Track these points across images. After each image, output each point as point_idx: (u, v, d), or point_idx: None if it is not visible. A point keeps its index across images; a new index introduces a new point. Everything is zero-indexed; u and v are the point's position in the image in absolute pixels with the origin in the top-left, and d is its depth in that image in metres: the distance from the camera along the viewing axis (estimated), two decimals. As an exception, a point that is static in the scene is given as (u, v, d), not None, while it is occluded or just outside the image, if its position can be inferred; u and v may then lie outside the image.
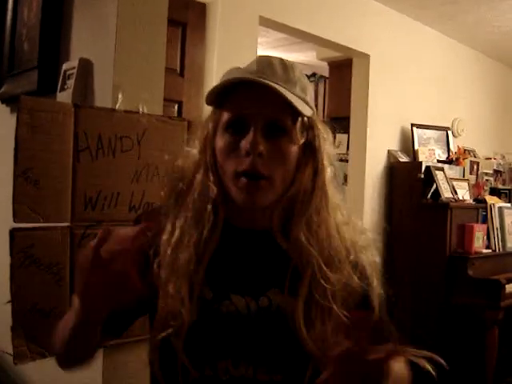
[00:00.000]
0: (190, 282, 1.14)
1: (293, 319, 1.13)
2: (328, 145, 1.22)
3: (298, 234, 1.16)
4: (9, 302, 1.74)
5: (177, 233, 1.17)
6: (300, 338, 1.12)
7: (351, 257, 1.20)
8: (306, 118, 1.18)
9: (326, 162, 1.20)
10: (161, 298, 1.14)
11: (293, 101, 1.11)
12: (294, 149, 1.16)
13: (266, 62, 1.17)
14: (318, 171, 1.19)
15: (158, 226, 1.17)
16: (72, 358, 1.23)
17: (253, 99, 1.13)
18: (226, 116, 1.15)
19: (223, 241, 1.18)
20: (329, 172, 1.21)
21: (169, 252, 1.15)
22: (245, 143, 1.11)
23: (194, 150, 1.21)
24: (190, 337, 1.12)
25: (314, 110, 1.21)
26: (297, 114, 1.14)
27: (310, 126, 1.19)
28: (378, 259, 1.27)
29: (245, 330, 1.15)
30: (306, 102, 1.17)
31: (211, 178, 1.17)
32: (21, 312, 1.73)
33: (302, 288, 1.14)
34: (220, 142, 1.16)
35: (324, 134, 1.22)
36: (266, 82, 1.11)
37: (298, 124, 1.16)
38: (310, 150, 1.19)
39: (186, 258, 1.14)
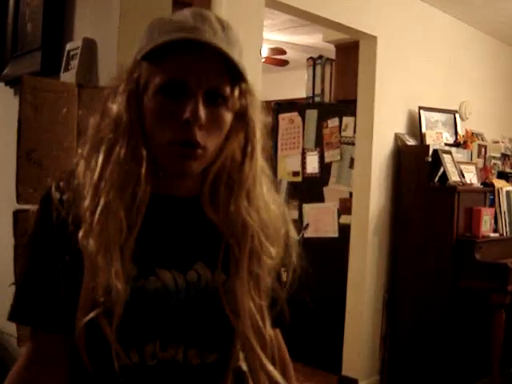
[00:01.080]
0: (121, 252, 1.02)
1: (231, 298, 1.08)
2: (261, 114, 1.17)
3: (239, 206, 1.11)
4: (12, 283, 1.72)
5: (102, 199, 1.03)
6: (235, 316, 1.08)
7: (281, 230, 1.17)
8: (243, 84, 1.11)
9: (257, 132, 1.15)
10: (87, 272, 1.00)
11: (238, 63, 1.04)
12: (229, 117, 1.09)
13: (203, 17, 1.05)
14: (249, 140, 1.14)
15: (77, 189, 1.05)
16: None
17: (194, 61, 1.02)
18: (161, 76, 1.03)
19: (149, 211, 1.07)
20: (260, 142, 1.15)
21: (95, 221, 1.01)
22: (185, 111, 1.01)
23: (116, 106, 1.08)
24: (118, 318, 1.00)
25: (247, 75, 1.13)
26: (236, 80, 1.08)
27: (243, 93, 1.13)
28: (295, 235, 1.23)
29: (173, 308, 1.07)
30: (243, 66, 1.08)
31: (138, 138, 1.06)
32: (25, 294, 1.72)
33: (242, 266, 1.09)
34: (151, 104, 1.05)
35: (257, 101, 1.16)
36: (215, 43, 1.01)
37: (236, 91, 1.10)
38: (242, 118, 1.13)
39: (115, 226, 1.02)
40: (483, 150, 5.06)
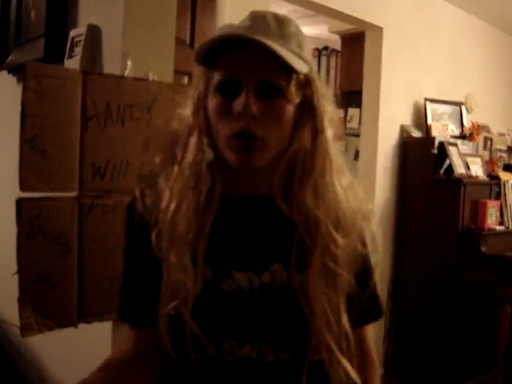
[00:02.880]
0: (192, 251, 1.09)
1: (305, 295, 1.08)
2: (328, 103, 1.15)
3: (304, 198, 1.10)
4: (15, 273, 1.70)
5: (175, 199, 1.11)
6: (311, 314, 1.08)
7: (357, 223, 1.15)
8: (302, 75, 1.10)
9: (326, 122, 1.14)
10: (165, 269, 1.10)
11: (286, 57, 1.04)
12: (290, 108, 1.09)
13: (259, 17, 1.10)
14: (317, 131, 1.13)
15: (157, 193, 1.14)
16: None
17: (244, 58, 1.06)
18: (217, 76, 1.08)
19: (221, 213, 1.12)
20: (329, 132, 1.14)
21: (167, 221, 1.10)
22: (236, 105, 1.05)
23: (187, 112, 1.15)
24: (195, 315, 1.07)
25: (312, 66, 1.14)
26: (292, 71, 1.07)
27: (306, 84, 1.12)
28: (377, 230, 1.21)
29: (248, 307, 1.10)
30: (301, 57, 1.10)
31: (205, 141, 1.12)
32: (27, 283, 1.70)
33: (314, 261, 1.09)
34: (212, 103, 1.10)
35: (322, 91, 1.15)
36: (256, 37, 1.03)
37: (293, 82, 1.09)
38: (308, 109, 1.12)
39: (185, 226, 1.09)
40: (489, 142, 5.03)
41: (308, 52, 1.15)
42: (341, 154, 1.19)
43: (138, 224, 1.16)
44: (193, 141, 1.13)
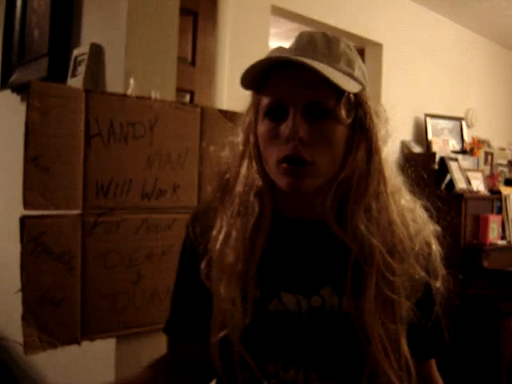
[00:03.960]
0: (241, 281, 1.08)
1: (360, 321, 1.03)
2: (381, 122, 1.12)
3: (357, 223, 1.06)
4: (19, 290, 1.71)
5: (224, 228, 1.11)
6: (366, 341, 1.03)
7: (416, 247, 1.10)
8: (352, 95, 1.06)
9: (380, 142, 1.10)
10: (214, 299, 1.11)
11: (332, 77, 1.00)
12: (341, 130, 1.06)
13: (306, 38, 1.08)
14: (371, 152, 1.08)
15: (208, 221, 1.16)
16: None
17: (290, 80, 1.04)
18: (265, 101, 1.07)
19: (273, 234, 1.11)
20: (384, 152, 1.11)
21: (217, 250, 1.11)
22: (284, 129, 1.02)
23: (238, 140, 1.15)
24: (243, 336, 1.06)
25: (364, 84, 1.10)
26: (341, 91, 1.03)
27: (358, 103, 1.08)
28: (441, 253, 1.17)
29: (295, 330, 1.07)
30: (352, 76, 1.07)
31: (255, 168, 1.11)
32: (31, 301, 1.70)
33: (369, 286, 1.04)
34: (261, 128, 1.08)
35: (375, 110, 1.11)
36: (300, 59, 1.01)
37: (343, 102, 1.05)
38: (361, 130, 1.08)
39: (233, 255, 1.08)
40: (490, 157, 5.05)
41: (360, 70, 1.11)
42: (398, 175, 1.16)
43: (188, 248, 1.19)
44: (243, 169, 1.12)
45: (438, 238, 1.18)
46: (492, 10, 4.80)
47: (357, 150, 1.07)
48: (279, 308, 1.08)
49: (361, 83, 1.09)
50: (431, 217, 1.19)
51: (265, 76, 1.05)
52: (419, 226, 1.13)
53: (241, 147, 1.14)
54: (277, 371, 1.07)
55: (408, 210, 1.13)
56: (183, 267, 1.22)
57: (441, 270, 1.15)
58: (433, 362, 1.26)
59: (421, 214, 1.16)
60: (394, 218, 1.09)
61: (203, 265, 1.11)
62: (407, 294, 1.07)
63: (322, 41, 1.07)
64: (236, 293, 1.06)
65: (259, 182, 1.10)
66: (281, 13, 3.83)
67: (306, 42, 1.07)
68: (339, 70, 1.05)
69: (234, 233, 1.10)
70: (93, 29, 2.19)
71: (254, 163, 1.11)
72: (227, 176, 1.16)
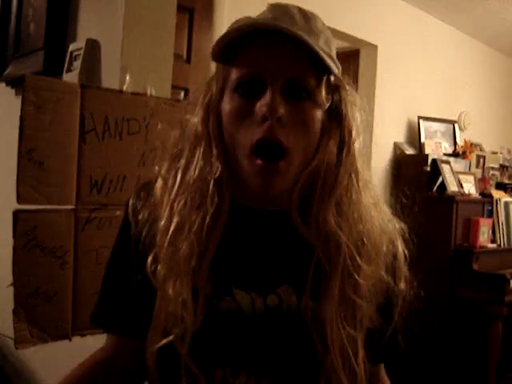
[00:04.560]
0: (192, 280, 0.94)
1: (318, 326, 0.94)
2: (358, 111, 1.01)
3: (326, 217, 0.95)
4: (11, 284, 1.70)
5: (175, 219, 0.97)
6: (323, 347, 0.93)
7: (384, 246, 1.01)
8: (332, 78, 0.98)
9: (354, 132, 1.00)
10: (158, 300, 0.97)
11: (320, 53, 0.90)
12: (318, 113, 0.95)
13: (282, 10, 0.96)
14: (344, 142, 0.99)
15: (154, 206, 1.01)
16: None
17: (270, 52, 0.91)
18: (235, 74, 0.94)
19: (228, 224, 0.98)
20: (358, 144, 1.00)
21: (166, 244, 0.96)
22: (260, 106, 0.90)
23: (195, 119, 1.01)
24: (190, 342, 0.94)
25: (339, 67, 1.00)
26: (322, 71, 0.94)
27: (335, 88, 0.99)
28: (406, 253, 1.07)
29: (246, 332, 0.97)
30: (330, 56, 0.95)
31: (214, 151, 0.97)
32: (23, 295, 1.70)
33: (333, 289, 0.94)
34: (227, 105, 0.95)
35: (352, 97, 1.02)
36: (288, 28, 0.89)
37: (324, 84, 0.95)
38: (336, 117, 0.99)
39: (186, 251, 0.95)
40: (482, 160, 5.06)
41: (335, 53, 1.00)
42: (367, 168, 1.05)
43: (128, 237, 1.04)
44: (200, 151, 0.99)
45: (403, 236, 1.08)
46: (486, 13, 4.82)
47: (329, 138, 0.98)
48: (231, 306, 0.96)
49: (338, 66, 0.99)
50: (399, 215, 1.10)
51: (237, 47, 0.93)
52: (385, 224, 1.04)
53: (199, 127, 1.00)
54: (223, 377, 0.96)
55: (375, 206, 1.03)
56: (120, 254, 1.08)
57: (404, 272, 1.06)
58: (382, 366, 1.16)
59: (386, 211, 1.06)
60: (364, 215, 0.99)
61: (150, 260, 0.97)
62: (370, 297, 0.98)
63: (298, 14, 0.96)
64: (187, 294, 0.94)
65: (219, 169, 0.97)
66: (277, 12, 3.82)
67: (283, 13, 0.96)
68: (319, 47, 0.93)
69: (187, 225, 0.96)
70: (89, 24, 2.18)
71: (213, 147, 0.98)
72: (181, 160, 1.01)
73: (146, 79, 1.96)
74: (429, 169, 4.40)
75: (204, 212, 0.96)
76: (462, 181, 4.52)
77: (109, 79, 1.98)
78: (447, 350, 4.17)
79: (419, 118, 4.76)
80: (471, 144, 5.03)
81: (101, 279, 1.57)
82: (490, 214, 4.57)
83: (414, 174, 4.48)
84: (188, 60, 3.33)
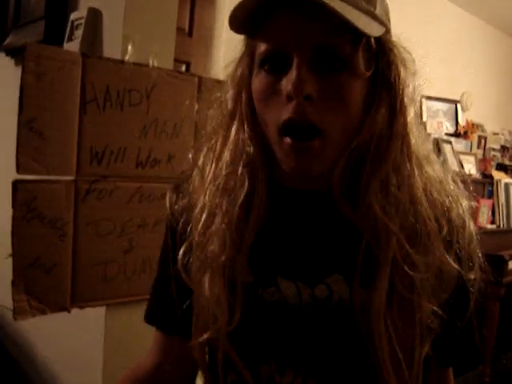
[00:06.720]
0: (229, 273, 0.88)
1: (366, 320, 0.84)
2: (409, 76, 0.90)
3: (370, 201, 0.85)
4: (10, 255, 1.69)
5: (207, 209, 0.91)
6: (374, 346, 0.84)
7: (444, 231, 0.89)
8: (373, 40, 0.85)
9: (406, 99, 0.89)
10: (195, 296, 0.92)
11: (350, 15, 0.76)
12: (358, 84, 0.84)
13: None
14: (395, 113, 0.87)
15: (189, 195, 0.96)
16: None
17: (294, 20, 0.80)
18: (261, 48, 0.84)
19: (269, 207, 0.90)
20: (412, 113, 0.89)
21: (197, 235, 0.91)
22: (285, 83, 0.80)
23: (227, 96, 0.94)
24: (233, 333, 0.88)
25: (388, 25, 0.88)
26: (359, 34, 0.80)
27: (380, 51, 0.87)
28: (477, 235, 0.94)
29: (293, 326, 0.89)
30: (373, 15, 0.83)
31: (247, 132, 0.90)
32: (22, 266, 1.69)
33: (380, 279, 0.84)
34: (256, 83, 0.87)
35: (403, 59, 0.90)
36: None
37: (362, 49, 0.83)
38: (384, 84, 0.88)
39: (218, 242, 0.89)
40: (483, 141, 5.06)
41: (382, 7, 0.87)
42: (426, 140, 0.94)
43: (169, 235, 1.02)
44: (232, 132, 0.92)
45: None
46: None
47: (377, 110, 0.86)
48: (276, 297, 0.89)
49: (384, 25, 0.86)
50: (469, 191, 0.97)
51: (262, 16, 0.82)
52: (450, 203, 0.91)
53: (230, 105, 0.93)
54: (270, 374, 0.89)
55: (436, 183, 0.91)
56: (165, 256, 1.04)
57: (477, 258, 0.93)
58: (449, 371, 1.02)
59: (453, 188, 0.94)
60: (417, 196, 0.87)
61: (181, 253, 0.93)
62: (432, 292, 0.86)
63: None
64: (220, 290, 0.88)
65: (251, 150, 0.90)
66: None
67: None
68: (357, 7, 0.81)
69: (219, 215, 0.90)
70: (91, -7, 2.14)
71: (245, 126, 0.91)
72: (213, 141, 0.95)
73: (149, 50, 1.92)
74: (430, 148, 4.38)
75: (235, 198, 0.89)
76: (462, 161, 4.51)
77: (110, 50, 1.95)
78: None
79: (422, 97, 4.73)
80: (473, 124, 5.02)
81: (101, 252, 1.53)
82: (490, 195, 4.58)
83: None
84: (190, 33, 3.29)
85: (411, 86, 0.91)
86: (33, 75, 1.66)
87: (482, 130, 5.19)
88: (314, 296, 0.88)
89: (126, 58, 1.88)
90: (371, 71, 0.86)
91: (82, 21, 2.01)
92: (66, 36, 2.08)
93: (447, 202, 0.91)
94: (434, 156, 0.94)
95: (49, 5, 2.27)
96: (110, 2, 1.99)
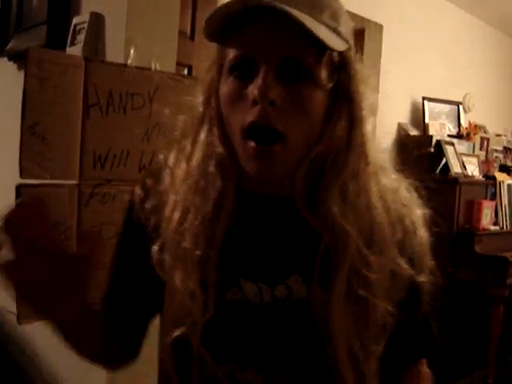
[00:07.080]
0: (201, 270, 0.91)
1: (324, 319, 0.88)
2: (368, 90, 0.95)
3: (330, 206, 0.89)
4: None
5: (179, 207, 0.94)
6: (332, 345, 0.88)
7: (398, 235, 0.95)
8: (335, 54, 0.89)
9: (364, 112, 0.93)
10: (167, 291, 0.95)
11: (316, 29, 0.82)
12: (320, 95, 0.88)
13: None
14: (354, 123, 0.92)
15: (160, 192, 0.98)
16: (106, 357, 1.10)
17: (263, 31, 0.85)
18: (231, 55, 0.88)
19: (236, 212, 0.94)
20: (369, 125, 0.94)
21: (171, 232, 0.94)
22: (251, 89, 0.85)
23: (198, 101, 0.97)
24: (202, 334, 0.91)
25: (350, 42, 0.92)
26: (322, 48, 0.85)
27: (342, 65, 0.91)
28: (428, 241, 1.02)
29: (254, 325, 0.92)
30: (336, 31, 0.88)
31: (216, 133, 0.94)
32: (26, 270, 1.69)
33: (339, 279, 0.89)
34: (224, 88, 0.90)
35: (362, 74, 0.94)
36: (277, 4, 0.81)
37: (325, 61, 0.88)
38: (344, 96, 0.92)
39: (191, 239, 0.91)
40: (485, 142, 5.05)
41: (347, 26, 0.92)
42: (381, 151, 0.99)
43: (134, 225, 1.02)
44: (203, 135, 0.95)
45: (428, 222, 1.03)
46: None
47: (337, 121, 0.91)
48: (238, 297, 0.92)
49: (346, 40, 0.91)
50: (422, 199, 1.04)
51: (231, 25, 0.86)
52: (404, 210, 0.98)
53: (200, 109, 0.96)
54: (232, 371, 0.92)
55: (391, 192, 0.97)
56: (126, 244, 1.06)
57: (427, 261, 1.00)
58: (422, 363, 1.13)
59: (407, 196, 1.00)
60: (373, 202, 0.93)
61: (155, 249, 0.95)
62: (386, 293, 0.91)
63: None
64: (195, 284, 0.90)
65: (220, 150, 0.93)
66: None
67: None
68: (322, 22, 0.86)
69: (192, 212, 0.93)
70: (93, -3, 2.15)
71: (214, 129, 0.94)
72: (184, 143, 0.98)
73: (151, 54, 1.93)
74: (432, 150, 4.38)
75: (207, 197, 0.93)
76: (465, 163, 4.51)
77: (113, 54, 1.95)
78: (447, 332, 4.17)
79: (424, 98, 4.73)
80: (475, 126, 5.01)
81: (104, 256, 1.52)
82: (493, 197, 4.57)
83: (417, 155, 4.46)
84: (192, 37, 3.29)
85: (370, 100, 0.95)
86: (35, 79, 1.66)
87: (485, 132, 5.18)
88: (274, 296, 0.92)
89: (129, 61, 1.89)
90: (332, 83, 0.90)
91: (85, 25, 2.02)
92: (69, 40, 2.09)
93: (401, 209, 0.97)
94: (389, 166, 1.00)
95: (51, 9, 2.27)
96: (112, 6, 2.00)
